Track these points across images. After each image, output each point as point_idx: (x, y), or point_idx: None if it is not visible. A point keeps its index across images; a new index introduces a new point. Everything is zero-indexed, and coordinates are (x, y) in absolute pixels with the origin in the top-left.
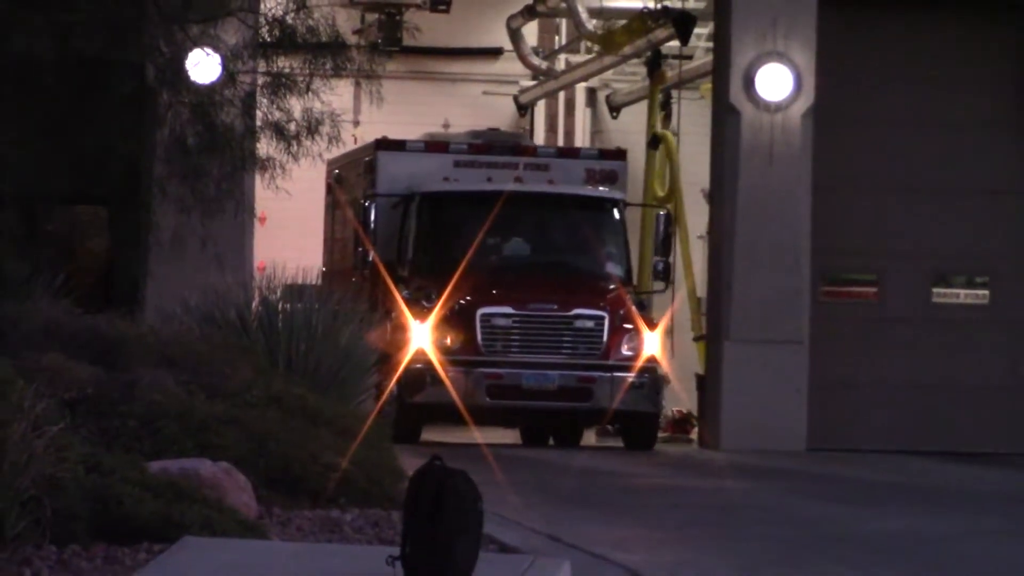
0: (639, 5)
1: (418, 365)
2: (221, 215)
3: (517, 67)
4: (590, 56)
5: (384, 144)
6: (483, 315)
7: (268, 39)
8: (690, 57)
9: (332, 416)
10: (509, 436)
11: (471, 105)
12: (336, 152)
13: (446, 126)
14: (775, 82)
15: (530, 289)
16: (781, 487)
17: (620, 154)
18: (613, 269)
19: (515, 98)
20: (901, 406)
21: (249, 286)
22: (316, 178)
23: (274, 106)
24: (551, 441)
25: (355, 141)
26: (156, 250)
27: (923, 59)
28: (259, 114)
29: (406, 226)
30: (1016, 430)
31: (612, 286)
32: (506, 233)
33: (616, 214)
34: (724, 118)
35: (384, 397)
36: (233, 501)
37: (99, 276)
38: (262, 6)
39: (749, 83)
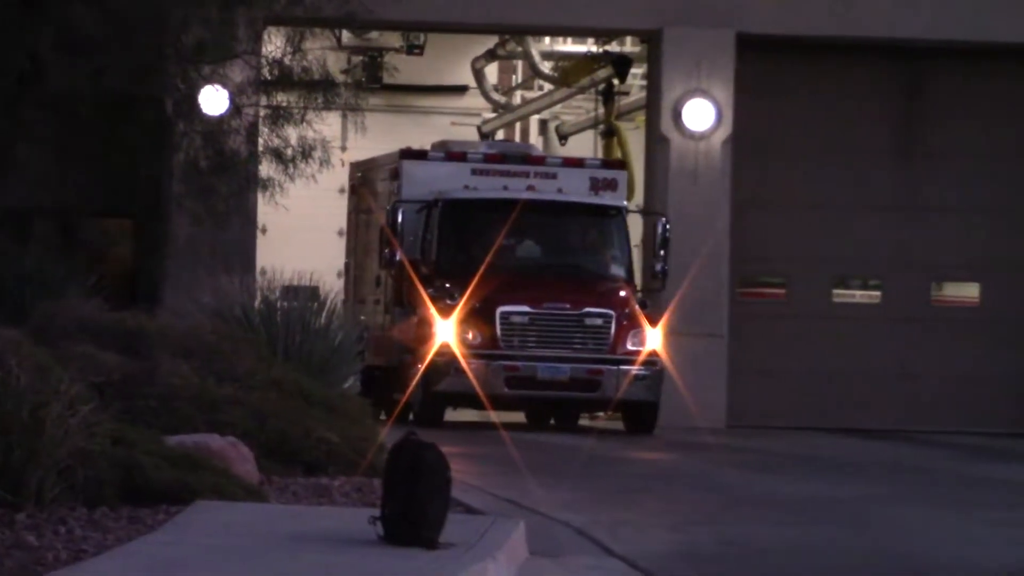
0: (584, 49)
1: (443, 357)
2: (229, 227)
3: (480, 102)
4: (542, 92)
5: (408, 153)
6: (502, 313)
7: (269, 77)
8: (627, 93)
9: (322, 397)
10: (517, 416)
11: (441, 134)
12: (358, 158)
13: None
14: (699, 115)
15: (544, 289)
16: (705, 458)
17: (620, 164)
18: (618, 271)
19: (478, 128)
20: (806, 389)
21: (252, 287)
22: (309, 195)
23: (274, 134)
24: (552, 421)
25: (343, 164)
26: (173, 256)
27: (823, 96)
28: (261, 141)
29: (429, 229)
30: (903, 409)
31: (618, 286)
32: (522, 237)
33: (620, 220)
34: (656, 145)
35: (412, 386)
36: (238, 470)
37: (125, 278)
38: (264, 49)
39: (677, 115)
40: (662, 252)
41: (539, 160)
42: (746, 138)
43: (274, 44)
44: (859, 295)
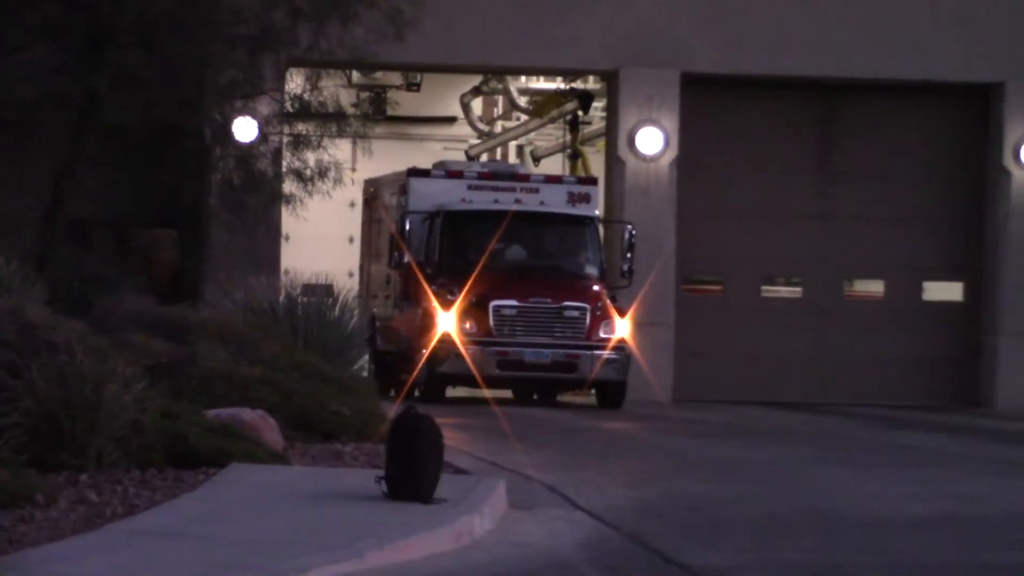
0: (554, 86)
1: (444, 344)
2: (257, 235)
3: (467, 130)
4: (519, 122)
5: (414, 171)
6: (495, 306)
7: (291, 110)
8: (590, 122)
9: (336, 377)
10: (505, 394)
11: (435, 157)
12: (368, 176)
13: None
14: (650, 141)
15: (530, 286)
16: (655, 428)
17: (593, 180)
18: (592, 270)
19: (466, 152)
20: (739, 369)
21: (277, 286)
22: (325, 208)
23: (295, 158)
24: (535, 396)
25: (352, 183)
26: (210, 260)
27: (754, 124)
28: (284, 163)
29: (432, 235)
30: (821, 386)
31: (592, 284)
32: (510, 243)
33: (594, 228)
34: (614, 166)
35: (418, 368)
36: (266, 438)
37: (170, 279)
38: (287, 87)
39: (631, 141)
40: (628, 255)
41: (524, 177)
42: (690, 160)
43: (295, 82)
44: (783, 290)
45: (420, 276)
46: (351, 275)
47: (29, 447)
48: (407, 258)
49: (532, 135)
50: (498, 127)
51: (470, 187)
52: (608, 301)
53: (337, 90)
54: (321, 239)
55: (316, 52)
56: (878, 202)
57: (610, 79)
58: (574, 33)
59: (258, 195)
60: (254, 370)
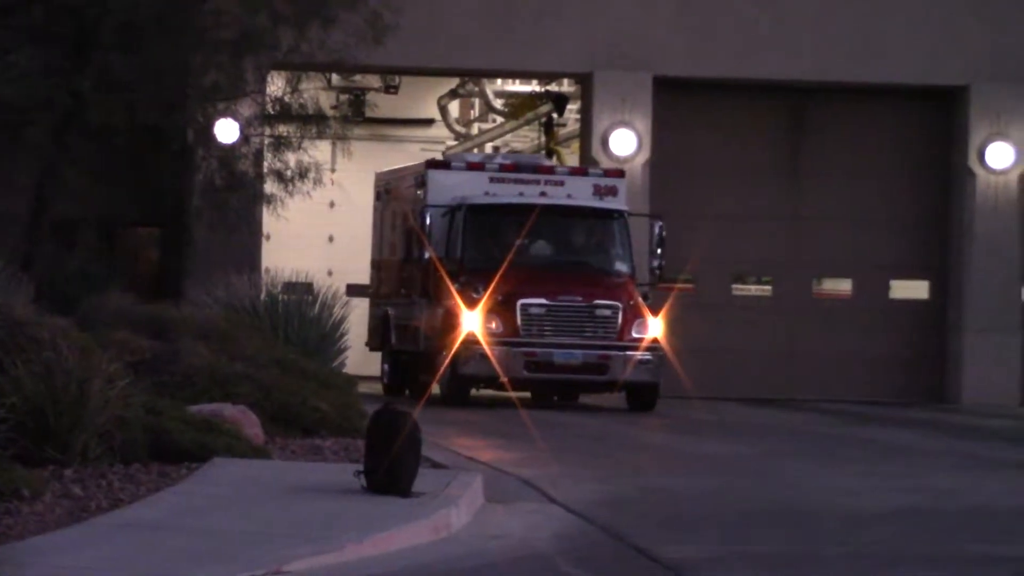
0: (529, 89)
1: (469, 344)
2: (239, 234)
3: (444, 132)
4: (495, 124)
5: (433, 163)
6: (522, 304)
7: (272, 112)
8: (565, 124)
9: (316, 373)
10: (522, 393)
11: (412, 158)
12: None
13: None
14: (623, 142)
15: (559, 284)
16: (629, 423)
17: (620, 173)
18: (622, 267)
19: (443, 154)
20: (712, 366)
21: (258, 284)
22: (305, 208)
23: (276, 159)
24: (555, 398)
25: (332, 183)
26: (193, 258)
27: (724, 126)
28: (265, 164)
29: (454, 230)
30: (790, 382)
31: (623, 281)
32: (537, 238)
33: (623, 222)
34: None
35: (442, 369)
36: (247, 433)
37: (153, 277)
38: (268, 89)
39: (605, 143)
40: (658, 250)
41: (548, 169)
42: (662, 161)
43: (276, 85)
44: (754, 289)
45: (443, 273)
46: (330, 274)
47: (15, 442)
48: (428, 254)
49: (508, 137)
50: (475, 129)
51: (492, 179)
52: (640, 299)
53: (317, 92)
54: (301, 238)
55: (297, 55)
56: (846, 202)
57: (584, 82)
58: (549, 37)
59: (239, 195)
60: (235, 366)
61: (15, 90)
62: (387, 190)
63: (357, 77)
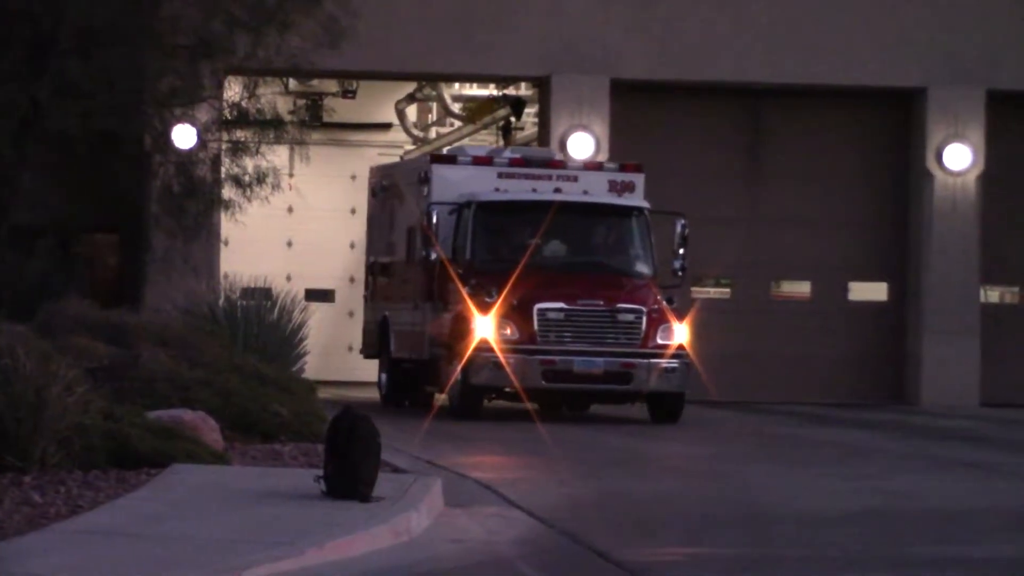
0: (487, 92)
1: (482, 352)
2: (197, 240)
3: (402, 136)
4: (453, 128)
5: (437, 158)
6: (540, 309)
7: (229, 117)
8: (523, 128)
9: (275, 379)
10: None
11: (370, 163)
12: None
13: (353, 177)
14: (581, 146)
15: (578, 287)
16: (589, 426)
17: (638, 168)
18: (643, 268)
19: (401, 158)
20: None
21: (217, 289)
22: (263, 214)
23: (234, 164)
24: (565, 408)
25: (290, 188)
26: (152, 265)
27: (685, 128)
28: (223, 169)
29: (462, 230)
30: (748, 384)
31: (646, 283)
32: (553, 237)
33: (644, 220)
34: None
35: (452, 379)
36: (207, 439)
37: (112, 283)
38: (225, 94)
39: (563, 146)
40: (681, 250)
41: (560, 164)
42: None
43: (233, 90)
44: (713, 291)
45: (453, 275)
46: (289, 279)
47: None
48: (435, 255)
49: (466, 141)
50: (432, 133)
51: (501, 175)
52: (664, 303)
53: (274, 97)
54: (260, 244)
55: (254, 60)
56: (805, 204)
57: (542, 86)
58: (507, 40)
59: (197, 201)
60: (195, 372)
61: None
62: (384, 186)
63: (314, 82)
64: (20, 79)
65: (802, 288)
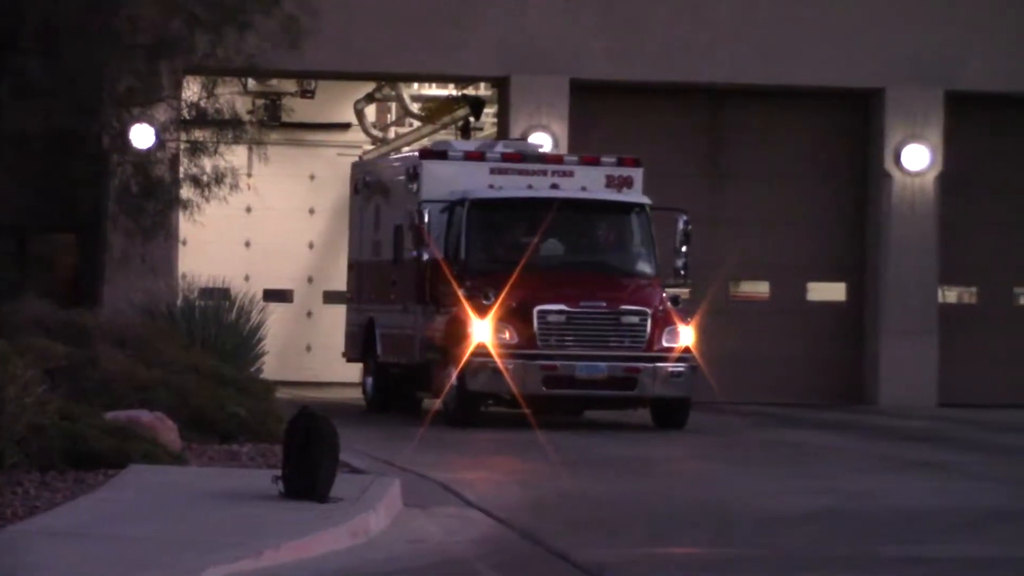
0: (446, 93)
1: (479, 357)
2: (155, 239)
3: (361, 136)
4: (412, 128)
5: (427, 153)
6: (540, 311)
7: (188, 117)
8: (482, 128)
9: (233, 379)
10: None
11: (329, 163)
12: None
13: (312, 177)
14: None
15: (580, 287)
16: (548, 427)
17: (636, 162)
18: (645, 267)
19: (360, 158)
20: None
21: (175, 289)
22: (222, 214)
23: (192, 164)
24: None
25: (248, 188)
26: (110, 264)
27: (645, 129)
28: (181, 169)
29: (454, 228)
30: (710, 385)
31: (649, 283)
32: (551, 236)
33: (645, 217)
34: None
35: (448, 386)
36: (164, 439)
37: (70, 283)
38: (183, 94)
39: None
40: (683, 248)
41: (556, 159)
42: None
43: (192, 90)
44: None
45: (448, 276)
46: (247, 279)
47: None
48: (427, 255)
49: (425, 141)
50: (391, 133)
51: (493, 171)
52: (669, 304)
53: (233, 97)
54: (218, 244)
55: (213, 60)
56: (765, 205)
57: (501, 86)
58: (466, 40)
59: (156, 201)
60: (152, 373)
61: None
62: (368, 183)
63: (273, 81)
64: None
65: (761, 288)
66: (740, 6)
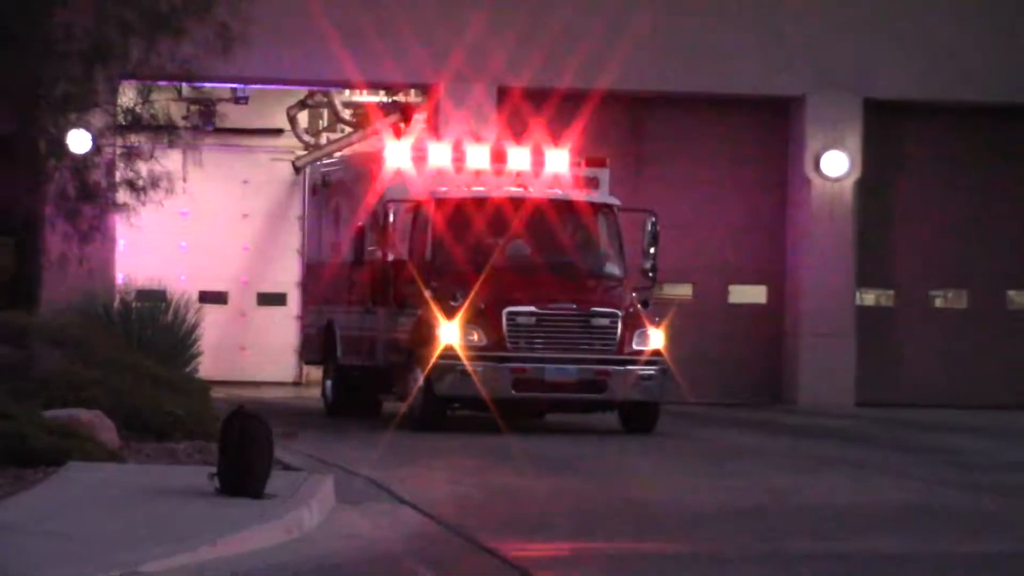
0: (377, 99)
1: (447, 360)
2: (92, 242)
3: (294, 142)
4: (343, 134)
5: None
6: (509, 313)
7: (124, 123)
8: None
9: (169, 379)
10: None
11: (262, 168)
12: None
13: (245, 182)
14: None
15: (549, 289)
16: (476, 426)
17: (602, 162)
18: (615, 268)
19: (292, 163)
20: None
21: (112, 291)
22: (157, 217)
23: (128, 168)
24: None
25: (183, 192)
26: (48, 267)
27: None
28: (118, 174)
29: (418, 228)
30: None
31: (619, 285)
32: (519, 235)
33: (614, 218)
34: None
35: (415, 390)
36: (103, 438)
37: (8, 285)
38: (119, 100)
39: None
40: (652, 250)
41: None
42: None
43: (128, 96)
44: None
45: (415, 276)
46: (183, 280)
47: None
48: (393, 255)
49: (356, 146)
50: (323, 139)
51: (459, 170)
52: (639, 306)
53: (168, 103)
54: (154, 246)
55: (147, 66)
56: (688, 210)
57: (432, 93)
58: (396, 48)
59: (93, 204)
60: (89, 372)
61: None
62: (326, 183)
63: (207, 88)
64: None
65: (684, 291)
66: (664, 18)
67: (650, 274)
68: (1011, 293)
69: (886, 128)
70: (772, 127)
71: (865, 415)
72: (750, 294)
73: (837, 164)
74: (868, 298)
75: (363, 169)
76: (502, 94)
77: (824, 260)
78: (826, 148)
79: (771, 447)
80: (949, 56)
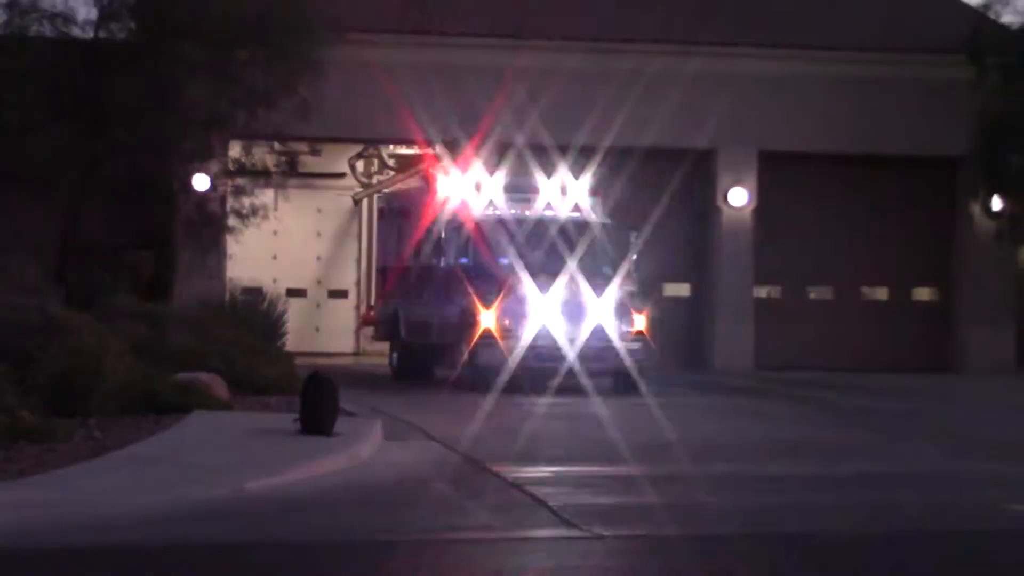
0: (413, 151)
1: (485, 339)
2: (210, 254)
3: (352, 182)
4: (388, 176)
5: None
6: (532, 305)
7: (232, 168)
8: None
9: (265, 351)
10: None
11: (331, 201)
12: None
13: (319, 210)
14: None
15: (561, 285)
16: (508, 394)
17: (596, 192)
18: (610, 270)
19: (352, 197)
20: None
21: (224, 289)
22: (257, 236)
23: (235, 201)
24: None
25: (275, 217)
26: (178, 272)
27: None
28: (228, 206)
29: (465, 241)
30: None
31: (613, 283)
32: (538, 247)
33: (608, 232)
34: None
35: (461, 361)
36: (217, 393)
37: (150, 285)
38: (229, 153)
39: None
40: (634, 256)
41: (539, 190)
42: None
43: (235, 150)
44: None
45: (463, 277)
46: (275, 281)
47: (52, 400)
48: (444, 261)
49: (399, 185)
50: (375, 180)
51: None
52: (628, 298)
53: (263, 155)
54: (255, 257)
55: (248, 129)
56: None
57: (450, 146)
58: (424, 115)
59: (210, 228)
60: (208, 346)
61: (50, 153)
62: (392, 208)
63: (291, 143)
64: (84, 140)
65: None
66: (594, 83)
67: (635, 276)
68: (864, 288)
69: (774, 171)
70: (694, 172)
71: (762, 376)
72: (679, 289)
73: (740, 197)
74: (762, 292)
75: (417, 199)
76: (503, 148)
77: (730, 266)
78: (732, 186)
79: (694, 402)
80: (820, 118)
